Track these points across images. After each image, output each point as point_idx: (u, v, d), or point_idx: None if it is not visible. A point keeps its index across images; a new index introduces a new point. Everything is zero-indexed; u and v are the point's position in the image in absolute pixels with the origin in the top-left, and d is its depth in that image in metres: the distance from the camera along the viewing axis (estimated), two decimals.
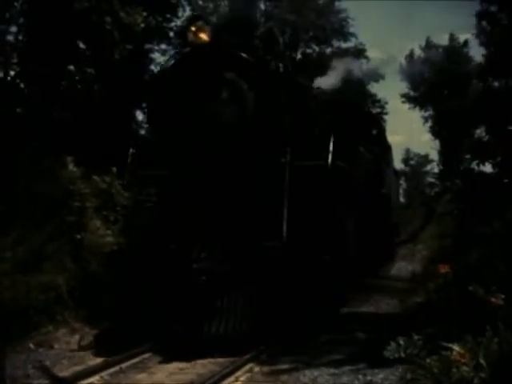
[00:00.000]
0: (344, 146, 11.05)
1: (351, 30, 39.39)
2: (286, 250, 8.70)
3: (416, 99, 47.09)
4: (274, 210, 8.97)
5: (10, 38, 20.78)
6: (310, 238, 9.30)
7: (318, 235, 9.54)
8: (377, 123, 19.20)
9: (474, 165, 16.24)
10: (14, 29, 20.63)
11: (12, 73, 20.03)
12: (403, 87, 49.10)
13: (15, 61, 18.90)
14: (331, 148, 10.00)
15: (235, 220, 8.99)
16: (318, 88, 14.53)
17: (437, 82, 41.93)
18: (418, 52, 47.54)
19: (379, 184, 16.13)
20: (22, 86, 19.09)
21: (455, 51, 42.30)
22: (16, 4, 19.70)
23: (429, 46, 46.63)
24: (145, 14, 15.57)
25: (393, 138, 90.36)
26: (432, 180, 51.44)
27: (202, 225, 9.12)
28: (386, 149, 19.25)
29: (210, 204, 9.28)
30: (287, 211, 8.90)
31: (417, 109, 47.60)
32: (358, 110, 18.07)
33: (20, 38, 19.79)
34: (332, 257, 10.02)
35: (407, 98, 47.58)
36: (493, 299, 6.11)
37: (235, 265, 8.61)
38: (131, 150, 10.46)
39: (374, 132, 18.04)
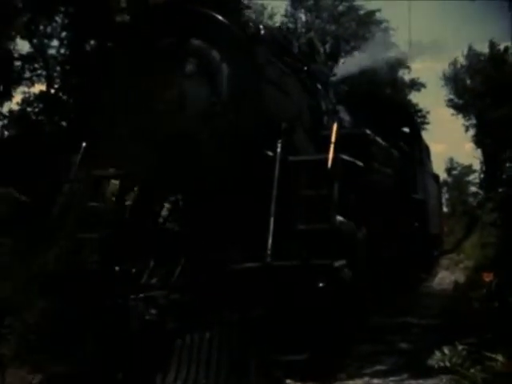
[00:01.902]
0: (360, 139, 9.05)
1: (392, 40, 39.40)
2: (269, 272, 6.30)
3: (460, 107, 46.86)
4: (257, 218, 6.68)
5: (53, 51, 21.33)
6: (304, 255, 6.53)
7: (314, 252, 6.67)
8: (409, 119, 16.67)
9: None
10: (55, 43, 21.15)
11: (55, 86, 20.49)
12: (447, 95, 48.76)
13: (57, 74, 19.26)
14: (333, 138, 7.41)
15: (203, 232, 6.96)
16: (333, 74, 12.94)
17: (480, 91, 41.60)
18: (461, 60, 47.41)
19: (410, 187, 13.79)
20: (64, 98, 19.40)
21: (499, 58, 41.89)
22: (57, 18, 20.12)
23: (471, 53, 46.36)
24: None
25: (436, 146, 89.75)
26: (475, 189, 50.95)
27: (158, 238, 7.24)
28: (421, 149, 16.92)
29: (171, 212, 7.52)
30: (274, 219, 6.54)
31: (460, 117, 47.39)
32: (382, 101, 15.97)
33: (62, 51, 20.15)
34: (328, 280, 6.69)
35: (452, 102, 47.45)
36: None
37: (199, 293, 6.38)
38: (84, 144, 7.96)
39: (407, 130, 15.66)
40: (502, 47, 41.84)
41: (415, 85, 42.64)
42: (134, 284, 6.73)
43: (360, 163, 8.59)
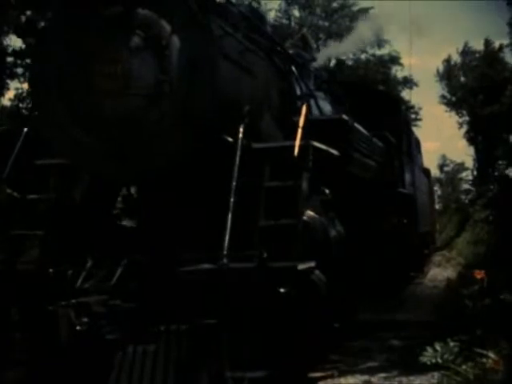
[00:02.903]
0: (336, 125, 8.01)
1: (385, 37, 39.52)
2: (224, 276, 5.38)
3: (453, 103, 47.00)
4: (214, 213, 5.86)
5: None
6: (263, 256, 5.44)
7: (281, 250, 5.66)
8: (396, 109, 14.74)
9: (509, 171, 16.12)
10: None
11: None
12: (440, 92, 48.95)
13: None
14: (301, 123, 6.58)
15: (150, 228, 6.25)
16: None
17: (472, 87, 41.74)
18: (455, 57, 47.54)
19: (397, 181, 12.66)
20: None
21: (491, 56, 42.02)
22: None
23: (465, 50, 46.48)
24: None
25: (429, 144, 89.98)
26: (467, 186, 51.12)
27: (99, 235, 6.32)
28: (410, 141, 15.69)
29: (115, 206, 6.67)
30: (233, 214, 5.62)
31: (453, 114, 47.53)
32: (367, 89, 15.04)
33: None
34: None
35: (445, 99, 47.55)
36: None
37: (142, 298, 5.54)
38: (25, 129, 7.09)
39: (393, 120, 13.72)
40: (497, 45, 42.07)
41: (408, 82, 42.76)
42: (66, 288, 5.78)
43: (336, 152, 7.49)
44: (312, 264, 6.00)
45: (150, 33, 6.09)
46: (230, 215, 5.59)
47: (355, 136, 8.45)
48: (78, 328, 5.40)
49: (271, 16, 38.92)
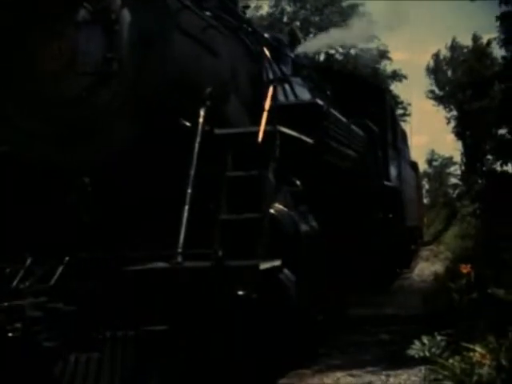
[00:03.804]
0: (310, 111, 7.24)
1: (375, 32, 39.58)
2: (177, 276, 4.75)
3: (441, 98, 47.14)
4: (170, 206, 5.16)
5: None
6: (220, 254, 4.78)
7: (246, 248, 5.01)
8: (380, 98, 13.73)
9: (497, 165, 16.13)
10: None
11: None
12: (428, 86, 49.15)
13: None
14: (267, 106, 5.93)
15: (99, 223, 5.41)
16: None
17: (460, 82, 41.84)
18: (443, 52, 47.69)
19: (381, 173, 11.90)
20: None
21: (479, 51, 42.11)
22: None
23: (454, 45, 46.62)
24: None
25: (417, 138, 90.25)
26: (455, 181, 51.29)
27: (40, 230, 5.46)
28: (396, 132, 14.84)
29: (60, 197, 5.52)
30: (191, 207, 5.00)
31: (441, 108, 47.69)
32: (349, 76, 14.32)
33: None
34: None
35: (433, 94, 47.69)
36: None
37: (85, 300, 4.82)
38: None
39: (377, 109, 12.88)
40: (485, 40, 42.12)
41: (397, 76, 42.84)
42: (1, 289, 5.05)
43: (309, 140, 6.81)
44: (277, 263, 5.32)
45: (98, 6, 5.44)
46: (186, 208, 5.00)
47: (331, 122, 7.70)
48: (9, 335, 4.64)
49: (264, 10, 39.12)
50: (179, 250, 4.82)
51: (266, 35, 8.70)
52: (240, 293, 4.71)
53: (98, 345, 4.57)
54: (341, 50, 39.40)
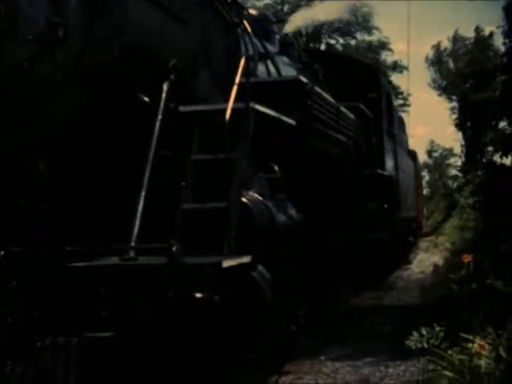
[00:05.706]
0: (292, 89, 6.39)
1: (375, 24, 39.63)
2: (127, 274, 4.06)
3: (443, 88, 47.14)
4: (125, 193, 4.54)
5: None
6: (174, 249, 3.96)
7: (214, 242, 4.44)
8: (375, 80, 12.73)
9: (496, 157, 16.08)
10: None
11: None
12: (430, 78, 49.12)
13: None
14: (237, 79, 5.25)
15: (42, 212, 4.80)
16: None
17: (462, 73, 41.81)
18: (445, 43, 47.67)
19: (375, 161, 11.03)
20: None
21: (482, 43, 42.07)
22: None
23: (456, 37, 46.58)
24: None
25: (418, 128, 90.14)
26: (455, 172, 51.27)
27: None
28: (392, 118, 13.90)
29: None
30: (147, 194, 4.39)
31: (443, 99, 47.68)
32: (341, 57, 13.61)
33: None
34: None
35: (436, 84, 47.72)
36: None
37: (19, 302, 4.16)
38: None
39: (372, 92, 12.03)
40: (487, 32, 42.07)
41: (398, 67, 42.81)
42: None
43: (291, 121, 6.05)
44: (246, 259, 4.57)
45: None
46: (143, 194, 4.35)
47: (315, 102, 6.83)
48: None
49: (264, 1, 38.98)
50: (132, 244, 4.19)
51: (253, 12, 8.00)
52: (198, 295, 4.00)
53: (36, 353, 3.94)
54: (341, 40, 39.32)
